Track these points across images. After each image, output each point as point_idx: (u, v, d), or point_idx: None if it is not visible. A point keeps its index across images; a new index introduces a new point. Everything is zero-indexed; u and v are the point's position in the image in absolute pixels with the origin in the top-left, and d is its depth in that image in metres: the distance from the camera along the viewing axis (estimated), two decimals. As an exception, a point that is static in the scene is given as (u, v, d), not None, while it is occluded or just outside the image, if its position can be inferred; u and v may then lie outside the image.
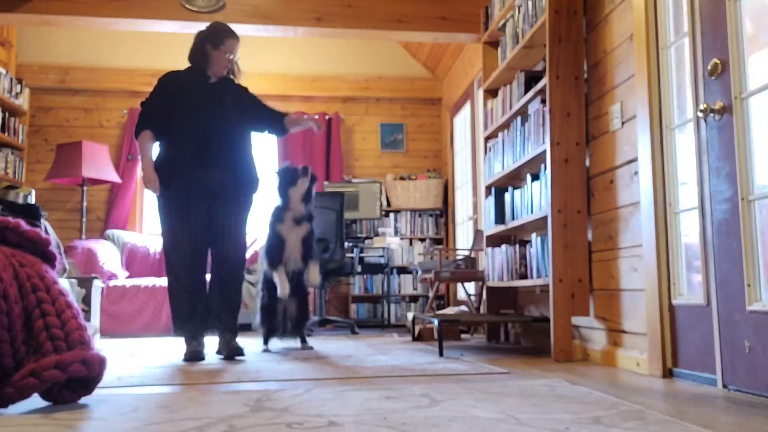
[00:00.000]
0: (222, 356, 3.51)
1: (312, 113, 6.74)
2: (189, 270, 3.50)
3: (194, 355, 3.42)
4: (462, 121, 6.57)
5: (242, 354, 3.48)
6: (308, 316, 4.09)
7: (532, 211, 3.76)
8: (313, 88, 6.97)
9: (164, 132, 3.54)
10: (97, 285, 4.85)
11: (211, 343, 3.69)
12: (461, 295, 5.81)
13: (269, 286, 3.88)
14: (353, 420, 1.78)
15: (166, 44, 6.69)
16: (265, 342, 3.93)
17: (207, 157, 3.51)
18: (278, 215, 3.90)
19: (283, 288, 3.73)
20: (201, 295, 3.56)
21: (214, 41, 3.60)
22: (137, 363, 3.36)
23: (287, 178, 3.91)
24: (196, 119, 3.51)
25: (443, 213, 6.98)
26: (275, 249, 3.83)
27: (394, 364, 3.15)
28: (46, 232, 4.00)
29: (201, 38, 3.64)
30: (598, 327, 3.32)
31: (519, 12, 4.02)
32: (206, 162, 3.51)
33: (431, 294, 5.44)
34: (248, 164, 3.66)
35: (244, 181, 3.62)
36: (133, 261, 6.20)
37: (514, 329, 4.51)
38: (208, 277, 3.63)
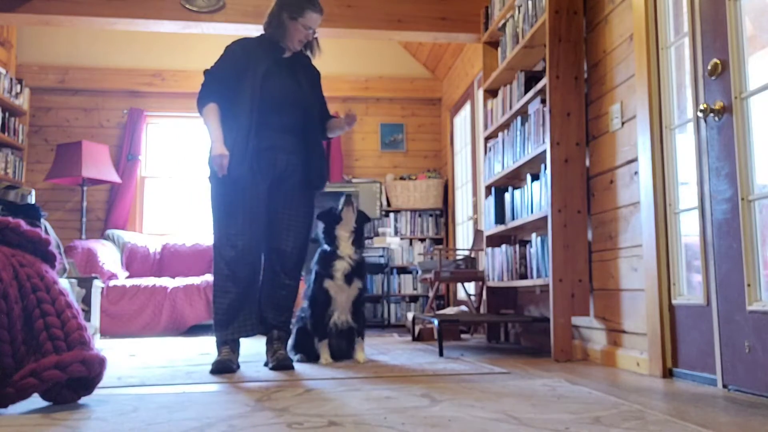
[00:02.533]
0: (269, 368, 3.06)
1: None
2: (242, 264, 3.04)
3: (222, 365, 2.91)
4: (462, 121, 6.57)
5: (291, 367, 3.02)
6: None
7: (532, 211, 3.76)
8: (313, 88, 6.95)
9: (229, 105, 3.10)
10: (97, 285, 4.85)
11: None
12: (461, 295, 5.81)
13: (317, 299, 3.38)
14: (353, 420, 1.77)
15: (166, 44, 6.70)
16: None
17: (275, 138, 3.13)
18: (325, 263, 3.36)
19: (325, 358, 3.29)
20: (250, 295, 3.10)
21: (291, 11, 3.17)
22: (137, 363, 3.36)
23: (331, 217, 3.41)
24: (265, 95, 3.10)
25: (443, 213, 6.98)
26: (320, 312, 3.32)
27: (394, 364, 3.15)
28: (46, 232, 3.99)
29: (279, 5, 3.21)
30: (598, 327, 3.32)
31: (519, 12, 4.02)
32: (273, 144, 3.12)
33: (431, 294, 5.44)
34: (319, 154, 3.28)
35: (314, 172, 3.24)
36: (133, 261, 6.21)
37: (514, 329, 4.51)
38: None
